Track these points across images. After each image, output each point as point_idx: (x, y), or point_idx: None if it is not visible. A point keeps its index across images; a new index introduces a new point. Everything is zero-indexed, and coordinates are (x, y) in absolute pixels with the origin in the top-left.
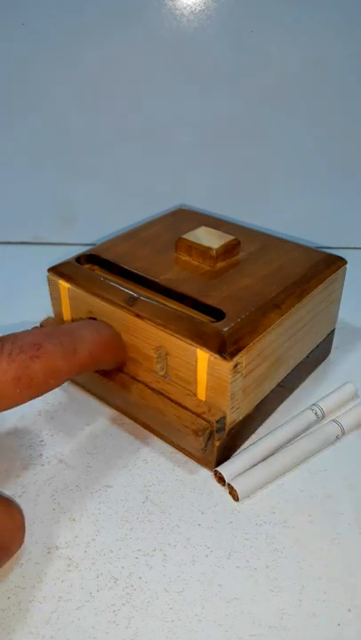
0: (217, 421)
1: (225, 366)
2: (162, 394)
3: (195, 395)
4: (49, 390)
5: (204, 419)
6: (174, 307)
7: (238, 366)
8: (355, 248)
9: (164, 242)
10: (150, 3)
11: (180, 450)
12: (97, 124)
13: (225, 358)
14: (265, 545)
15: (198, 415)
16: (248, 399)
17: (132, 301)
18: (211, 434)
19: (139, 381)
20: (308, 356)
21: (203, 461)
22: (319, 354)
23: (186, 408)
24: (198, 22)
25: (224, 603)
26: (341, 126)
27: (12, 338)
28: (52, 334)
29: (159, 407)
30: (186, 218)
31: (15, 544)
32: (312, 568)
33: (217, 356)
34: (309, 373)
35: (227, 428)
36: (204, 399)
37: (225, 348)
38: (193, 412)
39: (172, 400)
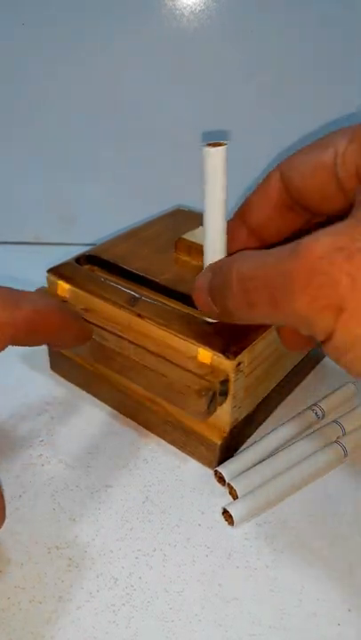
0: (220, 383)
1: (228, 365)
2: (163, 357)
3: (196, 357)
4: None
5: (207, 380)
6: (176, 306)
7: (241, 365)
8: None
9: (164, 242)
10: (150, 3)
11: (180, 450)
12: (97, 124)
13: (228, 357)
14: (265, 545)
15: (201, 377)
16: (250, 398)
17: (133, 301)
18: (214, 395)
19: (139, 345)
20: (307, 355)
21: (205, 460)
22: (319, 352)
23: (188, 370)
24: (198, 22)
25: (224, 603)
26: (341, 125)
27: None
28: None
29: (160, 369)
30: (184, 218)
31: None
32: (312, 568)
33: (220, 355)
34: (309, 372)
35: (229, 427)
36: None
37: (228, 347)
38: (195, 374)
39: (174, 363)
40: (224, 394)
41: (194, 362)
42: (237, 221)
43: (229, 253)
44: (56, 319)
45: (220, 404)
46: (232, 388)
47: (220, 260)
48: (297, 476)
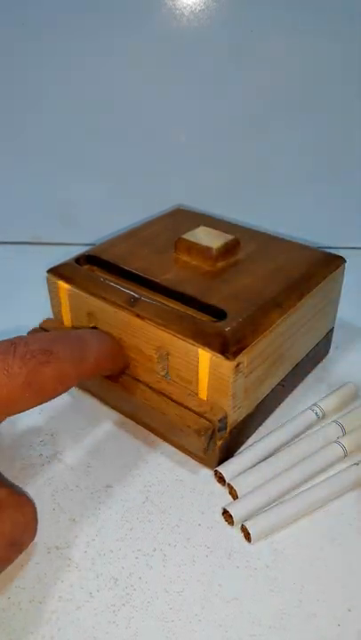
0: (219, 420)
1: (227, 366)
2: (163, 394)
3: (196, 394)
4: (56, 396)
5: (205, 418)
6: (175, 307)
7: (240, 366)
8: (355, 248)
9: (163, 242)
10: (150, 3)
11: (180, 449)
12: (97, 124)
13: (227, 358)
14: (265, 545)
15: (200, 415)
16: (249, 399)
17: (133, 302)
18: (213, 433)
19: (141, 382)
20: (307, 355)
21: (204, 461)
22: (318, 353)
23: (188, 408)
24: (198, 22)
25: (224, 603)
26: (341, 126)
27: (24, 341)
28: (62, 341)
29: (161, 408)
30: (184, 218)
31: (26, 539)
32: (312, 568)
33: (219, 355)
34: (309, 372)
35: (228, 428)
36: (205, 399)
37: (227, 347)
38: (195, 412)
39: (173, 400)
40: (223, 429)
41: (194, 399)
42: None
43: None
44: (110, 362)
45: (220, 439)
46: (232, 388)
47: None
48: (297, 477)
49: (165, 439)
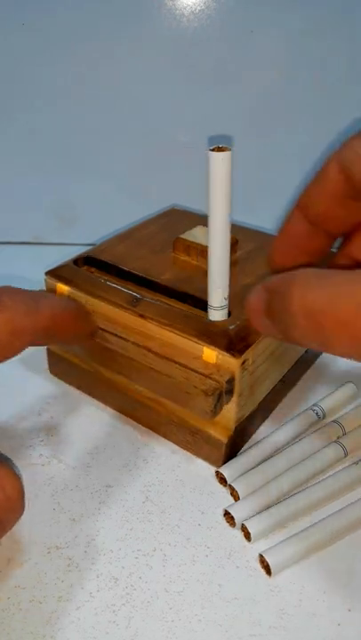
0: (226, 382)
1: (233, 363)
2: (167, 358)
3: (201, 358)
4: (13, 351)
5: (213, 379)
6: (177, 306)
7: (246, 363)
8: None
9: (161, 242)
10: (150, 3)
11: (186, 450)
12: (97, 124)
13: (233, 355)
14: (265, 545)
15: (207, 376)
16: (253, 396)
17: (135, 302)
18: (220, 394)
19: (142, 347)
20: (306, 352)
21: (211, 459)
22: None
23: (194, 370)
24: (198, 22)
25: (224, 603)
26: (341, 126)
27: None
28: (11, 291)
29: (165, 370)
30: (180, 218)
31: (9, 516)
32: (312, 568)
33: (225, 353)
34: (308, 368)
35: (234, 424)
36: None
37: (233, 345)
38: (201, 374)
39: (178, 363)
40: (230, 392)
41: (199, 361)
42: (296, 214)
43: (290, 251)
44: (70, 321)
45: (226, 403)
46: (237, 385)
47: (276, 280)
48: (298, 477)
49: (163, 436)
